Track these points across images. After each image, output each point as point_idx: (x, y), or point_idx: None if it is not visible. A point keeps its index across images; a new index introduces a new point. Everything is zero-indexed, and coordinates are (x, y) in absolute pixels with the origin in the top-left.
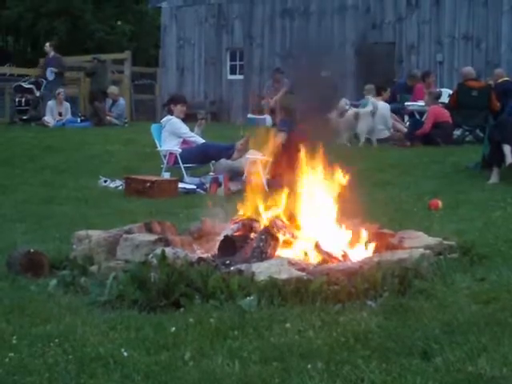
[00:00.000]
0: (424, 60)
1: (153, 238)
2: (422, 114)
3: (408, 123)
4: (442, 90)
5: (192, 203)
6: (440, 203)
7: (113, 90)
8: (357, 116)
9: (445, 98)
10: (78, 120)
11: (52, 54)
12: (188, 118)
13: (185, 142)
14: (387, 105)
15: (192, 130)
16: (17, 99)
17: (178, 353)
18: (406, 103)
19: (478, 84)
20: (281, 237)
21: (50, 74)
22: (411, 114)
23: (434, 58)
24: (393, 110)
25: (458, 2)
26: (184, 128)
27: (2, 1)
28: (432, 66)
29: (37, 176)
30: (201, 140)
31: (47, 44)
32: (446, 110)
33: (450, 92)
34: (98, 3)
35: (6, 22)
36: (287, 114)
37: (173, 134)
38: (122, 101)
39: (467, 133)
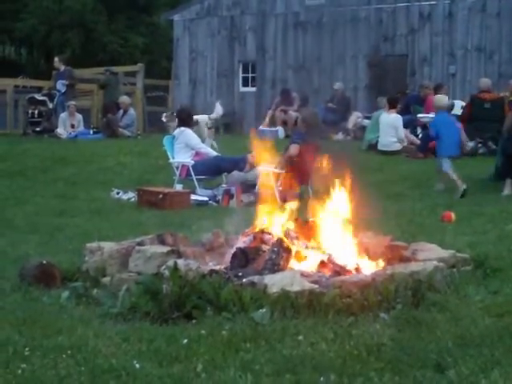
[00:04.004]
0: (437, 72)
1: (165, 249)
2: None
3: (421, 135)
4: (455, 101)
5: (204, 215)
6: (453, 215)
7: (124, 99)
8: (196, 122)
9: (457, 110)
10: (91, 132)
11: (62, 68)
12: None
13: (197, 154)
14: (399, 116)
15: (203, 141)
16: (30, 111)
17: (190, 365)
18: (418, 115)
19: (491, 96)
20: (293, 249)
21: (60, 87)
22: (424, 126)
23: (446, 70)
24: (406, 122)
25: (470, 14)
26: (196, 139)
27: (16, 13)
28: (444, 78)
29: (49, 188)
30: (213, 153)
31: (56, 59)
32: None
33: (463, 104)
34: (110, 16)
35: (20, 34)
36: (308, 128)
37: (186, 146)
38: (132, 111)
39: (480, 145)
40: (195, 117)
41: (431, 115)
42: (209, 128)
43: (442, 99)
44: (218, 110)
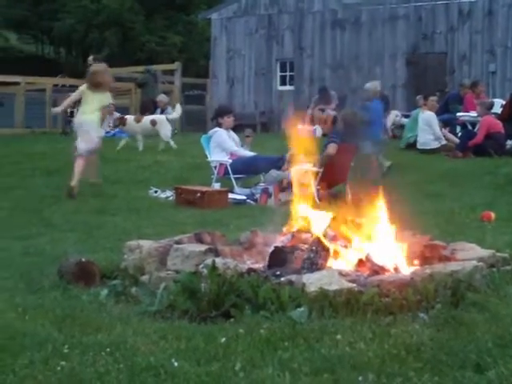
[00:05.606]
0: (476, 70)
1: (203, 248)
2: (474, 124)
3: (460, 134)
4: (494, 100)
5: (242, 214)
6: (493, 215)
7: (162, 98)
8: (154, 122)
9: (497, 109)
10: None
11: None
12: (238, 128)
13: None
14: (433, 114)
15: (241, 141)
16: (69, 110)
17: (228, 363)
18: (458, 114)
19: None
20: (331, 248)
21: None
22: (463, 125)
23: (486, 68)
24: (445, 121)
25: (510, 12)
26: (228, 141)
27: (54, 13)
28: (484, 76)
29: (88, 186)
30: (246, 152)
31: (90, 58)
32: (498, 121)
33: (503, 102)
34: (148, 15)
35: (59, 34)
36: (346, 127)
37: (218, 146)
38: (169, 110)
39: None
40: (152, 117)
41: (472, 114)
42: (247, 136)
43: (375, 86)
44: (178, 110)
